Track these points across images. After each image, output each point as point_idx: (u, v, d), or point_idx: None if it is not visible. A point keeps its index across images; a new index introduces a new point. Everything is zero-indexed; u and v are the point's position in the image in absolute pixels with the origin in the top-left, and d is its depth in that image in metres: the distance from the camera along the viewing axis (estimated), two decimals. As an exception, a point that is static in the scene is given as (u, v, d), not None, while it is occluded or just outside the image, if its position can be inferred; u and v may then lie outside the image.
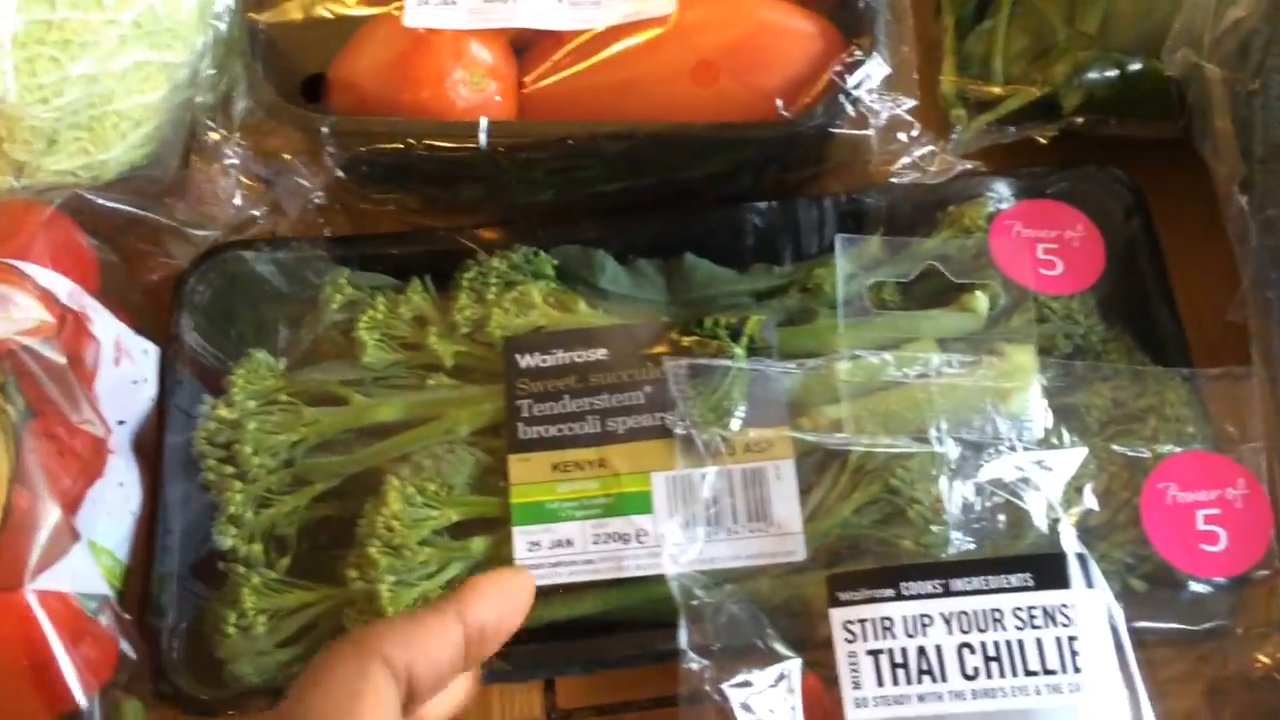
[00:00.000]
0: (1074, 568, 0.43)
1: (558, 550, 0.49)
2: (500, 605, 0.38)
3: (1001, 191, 0.54)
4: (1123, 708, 0.41)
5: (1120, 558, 0.46)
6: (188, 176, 0.57)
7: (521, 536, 0.49)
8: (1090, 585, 0.43)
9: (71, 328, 0.49)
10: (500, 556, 0.50)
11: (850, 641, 0.42)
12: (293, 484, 0.52)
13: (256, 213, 0.57)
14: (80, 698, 0.44)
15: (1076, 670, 0.41)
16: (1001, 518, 0.46)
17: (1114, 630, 0.43)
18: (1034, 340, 0.50)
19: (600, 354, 0.52)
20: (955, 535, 0.46)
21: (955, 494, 0.47)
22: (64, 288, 0.50)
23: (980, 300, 0.52)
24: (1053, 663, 0.42)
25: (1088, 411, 0.50)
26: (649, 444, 0.50)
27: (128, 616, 0.48)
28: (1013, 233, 0.53)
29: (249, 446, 0.52)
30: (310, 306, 0.57)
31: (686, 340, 0.51)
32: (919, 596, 0.43)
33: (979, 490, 0.46)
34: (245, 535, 0.51)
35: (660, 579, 0.49)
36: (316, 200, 0.58)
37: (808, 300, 0.54)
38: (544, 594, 0.50)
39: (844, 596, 0.43)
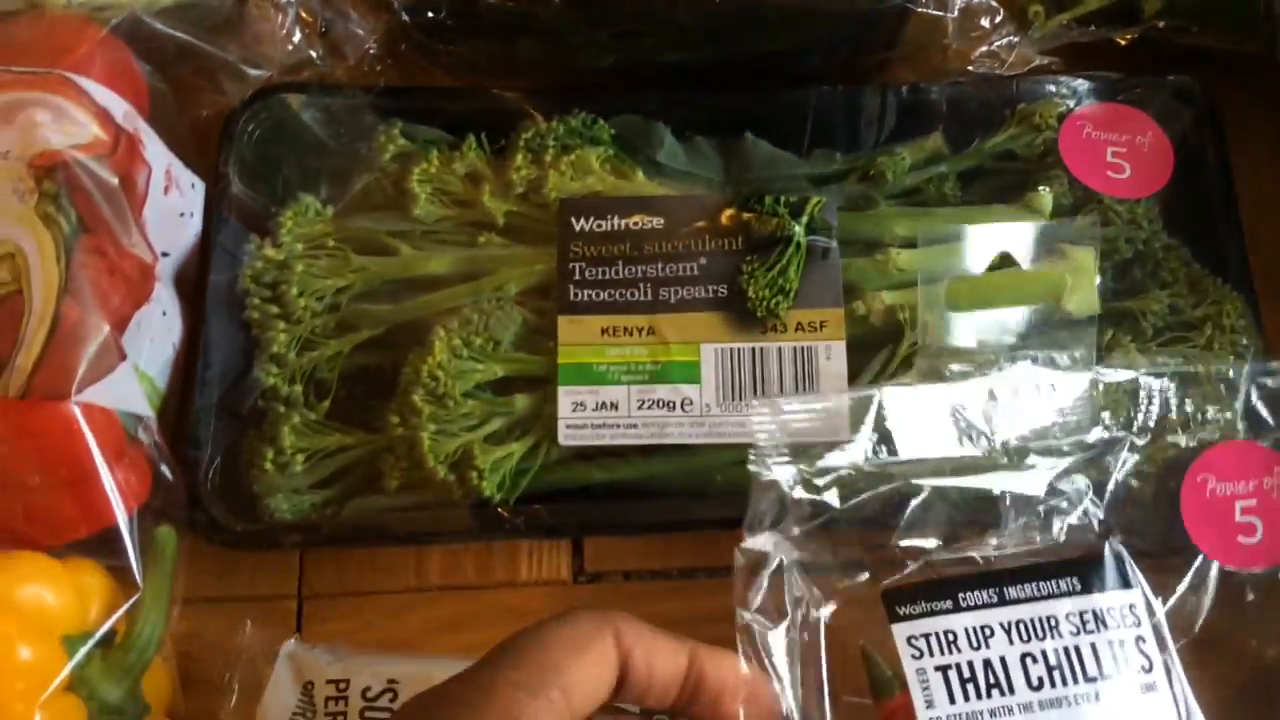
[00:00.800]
0: (1111, 568, 0.43)
1: (602, 412, 0.49)
2: (726, 680, 0.38)
3: (1074, 91, 0.53)
4: (1169, 702, 0.41)
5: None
6: (245, 10, 0.55)
7: (566, 396, 0.49)
8: (1128, 585, 0.43)
9: (125, 149, 0.48)
10: (544, 414, 0.49)
11: (917, 658, 0.41)
12: (337, 329, 0.52)
13: (312, 54, 0.55)
14: (118, 514, 0.44)
15: (1129, 671, 0.41)
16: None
17: (1156, 625, 0.43)
18: (1097, 242, 0.49)
19: (656, 222, 0.51)
20: (1006, 428, 0.46)
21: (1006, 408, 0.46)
22: (119, 107, 0.49)
23: (1044, 198, 0.51)
24: (1109, 667, 0.41)
25: (1144, 316, 0.50)
26: (700, 315, 0.50)
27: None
28: (1083, 134, 0.52)
29: (295, 288, 0.51)
30: (355, 160, 0.56)
31: (746, 215, 0.51)
32: (977, 607, 0.42)
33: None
34: (286, 375, 0.51)
35: (700, 449, 0.49)
36: (372, 49, 0.57)
37: (868, 188, 0.53)
38: (585, 456, 0.50)
39: (903, 611, 0.42)
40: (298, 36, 0.55)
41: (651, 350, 0.50)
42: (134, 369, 0.46)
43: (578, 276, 0.51)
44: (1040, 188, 0.52)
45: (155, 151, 0.51)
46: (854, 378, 0.49)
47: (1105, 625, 0.42)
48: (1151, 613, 0.43)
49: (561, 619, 0.36)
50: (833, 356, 0.49)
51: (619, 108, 0.55)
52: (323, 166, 0.56)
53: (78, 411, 0.43)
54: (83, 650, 0.41)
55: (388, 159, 0.54)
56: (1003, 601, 0.42)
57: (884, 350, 0.50)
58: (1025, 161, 0.53)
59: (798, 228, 0.50)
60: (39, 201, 0.45)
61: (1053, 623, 0.42)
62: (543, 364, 0.50)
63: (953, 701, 0.40)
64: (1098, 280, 0.49)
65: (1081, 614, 0.42)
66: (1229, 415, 0.47)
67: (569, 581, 0.51)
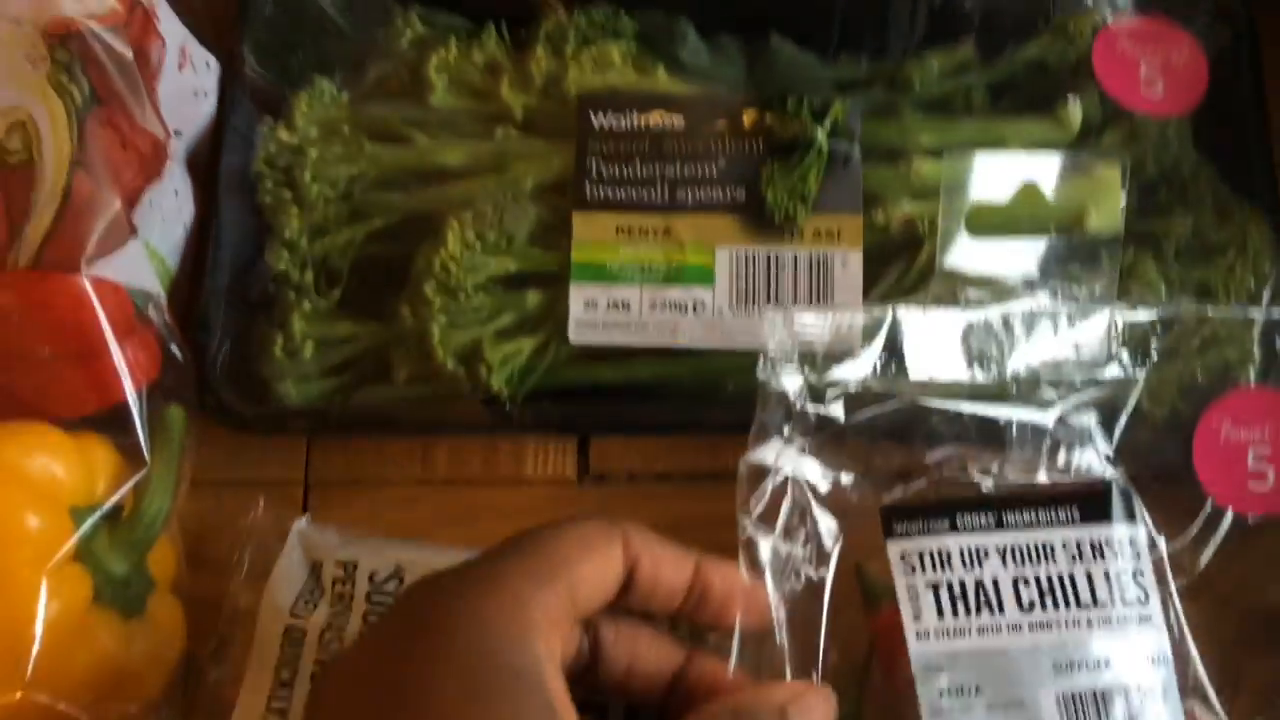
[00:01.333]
0: (1117, 502, 0.43)
1: (614, 312, 0.49)
2: (728, 590, 0.39)
3: (1112, 2, 0.52)
4: (1164, 640, 0.42)
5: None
6: (264, -115, 0.54)
7: (578, 293, 0.49)
8: (1131, 520, 0.43)
9: (139, 22, 0.47)
10: (555, 313, 0.49)
11: (909, 574, 0.42)
12: (349, 217, 0.51)
13: (333, -70, 0.54)
14: (128, 389, 0.44)
15: (1124, 603, 0.41)
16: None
17: (1157, 562, 0.43)
18: (1125, 159, 0.48)
19: (676, 121, 0.51)
20: (1019, 358, 0.45)
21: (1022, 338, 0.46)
22: (134, -23, 0.48)
23: (1073, 111, 0.50)
24: (1102, 596, 0.41)
25: (1167, 238, 0.49)
26: (717, 217, 0.49)
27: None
28: (1118, 47, 0.51)
29: (308, 173, 0.51)
30: (371, 47, 0.55)
31: (768, 117, 0.50)
32: (973, 529, 0.42)
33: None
34: (298, 261, 0.50)
35: (711, 353, 0.49)
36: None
37: (894, 96, 0.52)
38: (594, 355, 0.50)
39: (899, 528, 0.42)
40: (318, -86, 0.54)
41: (666, 251, 0.49)
42: (145, 246, 0.46)
43: (594, 173, 0.50)
44: (1069, 100, 0.50)
45: (170, 26, 0.50)
46: (869, 288, 0.49)
47: (1102, 556, 0.42)
48: (1154, 548, 0.43)
49: (572, 520, 0.37)
50: (849, 265, 0.49)
51: (642, 1, 0.54)
52: (339, 52, 0.55)
53: (87, 284, 0.43)
54: (89, 521, 0.42)
55: (405, 44, 0.54)
56: (1000, 526, 0.42)
57: (900, 262, 0.49)
58: (1056, 73, 0.52)
59: (820, 132, 0.49)
60: (51, 70, 0.44)
61: (1048, 549, 0.42)
62: (556, 260, 0.50)
63: (940, 616, 0.41)
64: (1123, 198, 0.48)
65: (1078, 543, 0.42)
66: (1246, 354, 0.47)
67: (574, 480, 0.51)
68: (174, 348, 0.47)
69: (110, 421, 0.45)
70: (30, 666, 0.39)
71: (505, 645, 0.32)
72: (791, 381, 0.44)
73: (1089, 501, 0.43)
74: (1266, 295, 0.48)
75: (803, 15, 0.54)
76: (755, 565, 0.42)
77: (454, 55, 0.53)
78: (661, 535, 0.39)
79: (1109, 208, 0.48)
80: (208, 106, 0.52)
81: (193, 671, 0.46)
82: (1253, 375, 0.46)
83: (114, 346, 0.43)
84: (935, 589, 0.41)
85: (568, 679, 0.34)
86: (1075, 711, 0.39)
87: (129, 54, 0.46)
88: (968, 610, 0.41)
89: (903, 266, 0.49)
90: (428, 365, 0.48)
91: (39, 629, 0.39)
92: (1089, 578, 0.42)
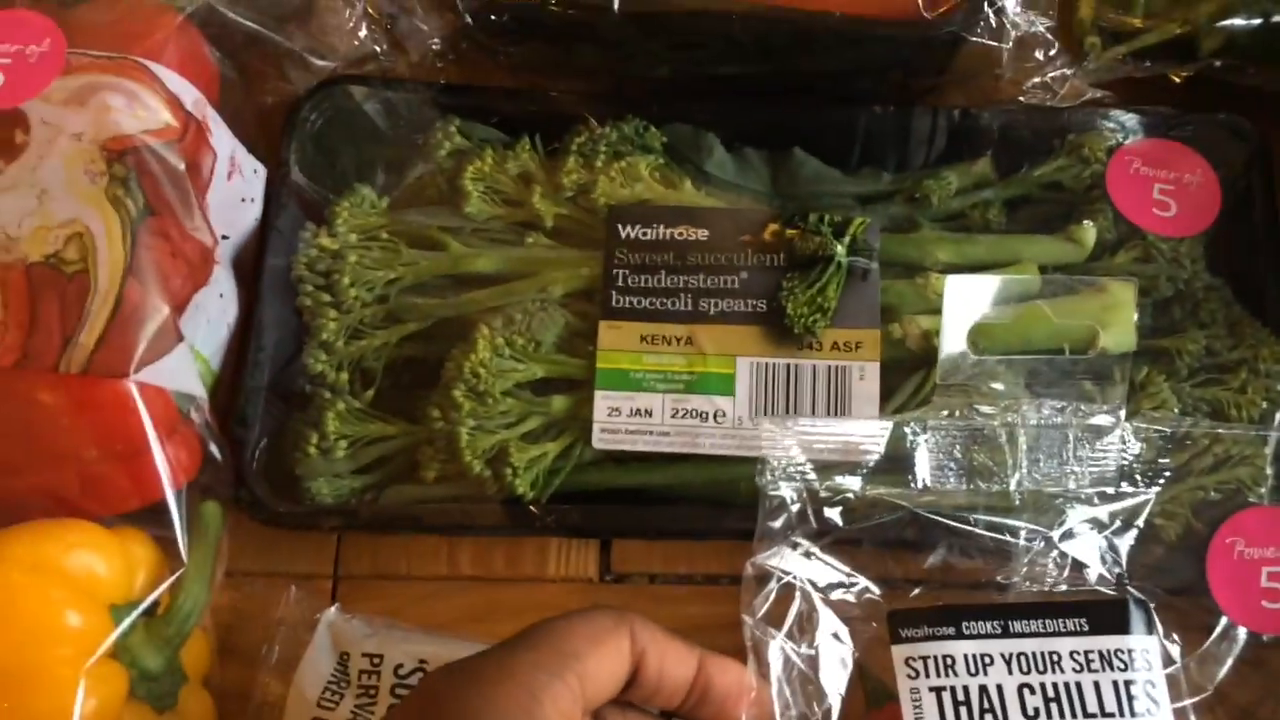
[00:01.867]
0: (1134, 614, 0.44)
1: (636, 419, 0.50)
2: (731, 688, 0.40)
3: (1125, 126, 0.54)
4: None
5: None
6: (314, 2, 0.57)
7: (603, 400, 0.50)
8: (1149, 632, 0.43)
9: (193, 136, 0.50)
10: (580, 417, 0.51)
11: (913, 678, 0.43)
12: (385, 320, 0.53)
13: (376, 49, 0.57)
14: (168, 488, 0.46)
15: (1134, 714, 0.42)
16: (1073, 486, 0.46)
17: (1171, 676, 0.44)
18: (1137, 279, 0.50)
19: (701, 234, 0.52)
20: (1024, 472, 0.46)
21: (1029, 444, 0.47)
22: (190, 95, 0.50)
23: (1088, 231, 0.52)
24: (1110, 706, 0.42)
25: (1179, 356, 0.50)
26: (738, 328, 0.51)
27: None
28: (1131, 169, 0.52)
29: (347, 278, 0.53)
30: (412, 153, 0.57)
31: (790, 232, 0.52)
32: (980, 636, 0.43)
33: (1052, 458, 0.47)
34: (334, 362, 0.52)
35: (730, 461, 0.50)
36: (435, 46, 0.58)
37: (913, 210, 0.54)
38: (617, 460, 0.51)
39: (905, 633, 0.43)
40: (364, 30, 0.57)
41: (689, 360, 0.51)
42: (190, 350, 0.48)
43: (621, 283, 0.52)
44: (1084, 221, 0.52)
45: (221, 137, 0.52)
46: (886, 400, 0.50)
47: (1112, 667, 0.42)
48: (1168, 661, 0.44)
49: (582, 613, 0.38)
50: (866, 377, 0.50)
51: (671, 116, 0.56)
52: (380, 158, 0.58)
53: (134, 390, 0.45)
54: (128, 620, 0.43)
55: (444, 155, 0.56)
56: (1006, 634, 0.43)
57: (918, 374, 0.50)
58: (1072, 193, 0.53)
59: (839, 248, 0.51)
60: (109, 184, 0.46)
61: (1055, 658, 0.42)
62: (582, 367, 0.51)
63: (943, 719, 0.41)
64: (1135, 317, 0.49)
65: (1086, 653, 0.42)
66: (1259, 473, 0.47)
67: (595, 580, 0.52)
68: (213, 447, 0.49)
69: (150, 517, 0.47)
70: (66, 761, 0.40)
71: None
72: (790, 489, 0.45)
73: (1099, 612, 0.44)
74: (1278, 416, 0.49)
75: (826, 130, 0.56)
76: (761, 666, 0.43)
77: (489, 165, 0.55)
78: (675, 634, 0.40)
79: (1122, 326, 0.49)
80: (254, 211, 0.55)
81: (223, 763, 0.47)
82: (1265, 495, 0.47)
83: (157, 448, 0.45)
84: (939, 694, 0.42)
85: None
86: None
87: (182, 166, 0.49)
88: (971, 716, 0.42)
89: (920, 379, 0.50)
90: (455, 466, 0.50)
91: (76, 725, 0.40)
92: (1097, 687, 0.42)
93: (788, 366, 0.50)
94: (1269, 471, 0.47)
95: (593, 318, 0.52)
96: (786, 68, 0.55)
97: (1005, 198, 0.54)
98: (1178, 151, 0.53)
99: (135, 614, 0.43)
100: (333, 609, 0.50)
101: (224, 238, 0.53)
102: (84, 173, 0.46)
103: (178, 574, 0.45)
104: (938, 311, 0.50)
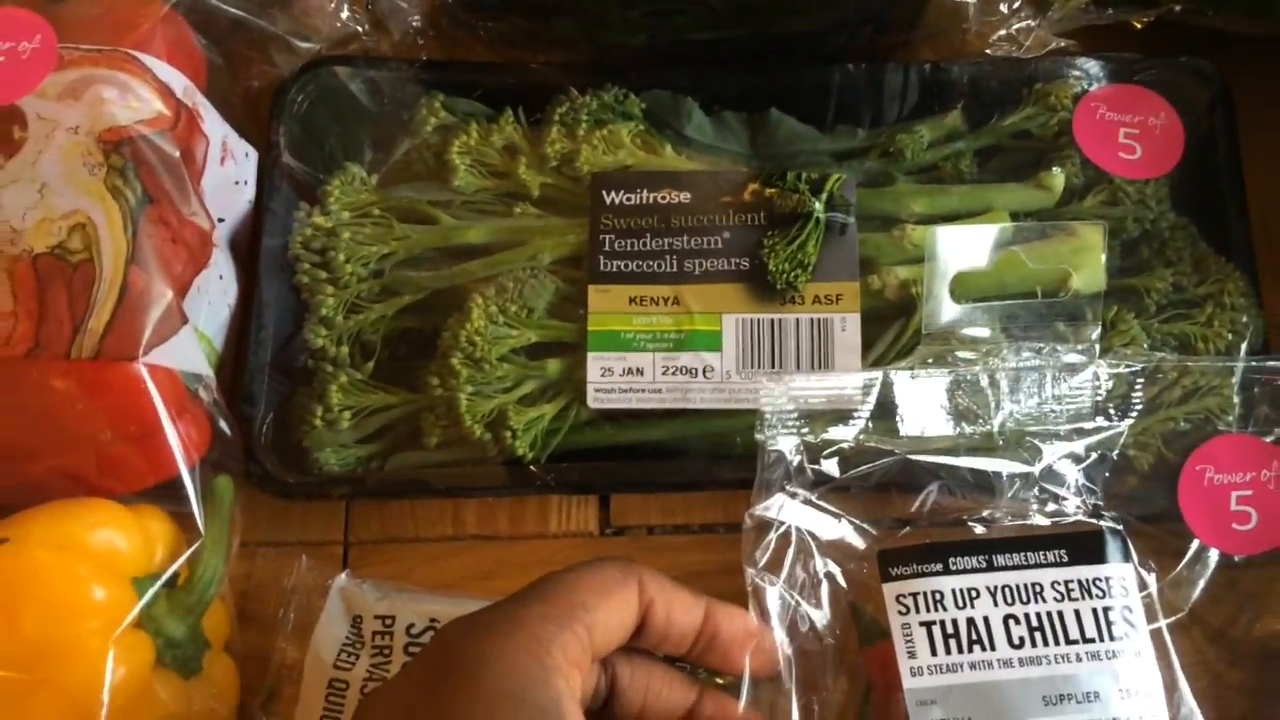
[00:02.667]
0: (1107, 544, 0.46)
1: (628, 378, 0.52)
2: (736, 634, 0.41)
3: (1090, 73, 0.55)
4: (1154, 673, 0.44)
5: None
6: (295, -14, 0.58)
7: (595, 361, 0.52)
8: (1123, 560, 0.45)
9: (185, 123, 0.51)
10: (574, 378, 0.52)
11: (904, 614, 0.44)
12: (381, 294, 0.55)
13: (359, 29, 0.58)
14: (181, 465, 0.48)
15: (1112, 639, 0.44)
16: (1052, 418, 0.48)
17: (1146, 600, 0.46)
18: (1105, 222, 0.51)
19: (683, 197, 0.54)
20: (1005, 413, 0.48)
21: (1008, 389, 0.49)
22: (180, 83, 0.52)
23: (1057, 177, 0.53)
24: (1090, 632, 0.44)
25: (1148, 294, 0.52)
26: (723, 286, 0.53)
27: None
28: (1097, 114, 0.54)
29: (342, 254, 0.54)
30: (398, 130, 0.58)
31: (769, 191, 0.53)
32: (966, 571, 0.45)
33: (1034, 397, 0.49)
34: (334, 337, 0.54)
35: (721, 413, 0.52)
36: (416, 23, 0.59)
37: (887, 164, 0.56)
38: (612, 418, 0.53)
39: (895, 571, 0.45)
40: (345, 11, 0.58)
41: (676, 319, 0.52)
42: (194, 331, 0.50)
43: (607, 248, 0.54)
44: (1053, 167, 0.54)
45: (212, 124, 0.54)
46: (868, 349, 0.52)
47: (1091, 595, 0.45)
48: (1143, 586, 0.46)
49: (590, 565, 0.39)
50: (848, 328, 0.52)
51: (650, 83, 0.58)
52: (368, 136, 0.59)
53: (144, 371, 0.47)
54: (150, 591, 0.45)
55: (429, 130, 0.57)
56: (991, 568, 0.45)
57: (897, 323, 0.52)
58: (1040, 141, 0.55)
59: (817, 204, 0.52)
60: (107, 175, 0.48)
61: (1037, 589, 0.44)
62: (573, 331, 0.53)
63: (934, 653, 0.44)
64: (1104, 258, 0.51)
65: (1067, 582, 0.44)
66: (1226, 403, 0.49)
67: (596, 534, 0.54)
68: (222, 423, 0.50)
69: (166, 493, 0.49)
70: (100, 726, 0.42)
71: (528, 684, 0.35)
72: (788, 442, 0.47)
73: (1077, 543, 0.46)
74: (1244, 347, 0.51)
75: (801, 90, 0.57)
76: (763, 612, 0.45)
77: (474, 139, 0.56)
78: (681, 583, 0.41)
79: (1091, 268, 0.51)
80: (248, 193, 0.56)
81: (246, 722, 0.50)
82: (1233, 423, 0.49)
83: (169, 426, 0.47)
84: (929, 628, 0.44)
85: (586, 715, 0.37)
86: None
87: (177, 154, 0.50)
88: (960, 647, 0.44)
89: (899, 327, 0.52)
90: (456, 432, 0.52)
91: (107, 694, 0.42)
92: (1078, 615, 0.44)
93: (772, 321, 0.52)
94: (1236, 400, 0.49)
95: (582, 283, 0.53)
96: (760, 30, 0.57)
97: (976, 148, 0.56)
98: (1141, 96, 0.54)
99: (157, 585, 0.45)
100: (343, 575, 0.52)
101: (220, 221, 0.54)
102: (82, 165, 0.48)
103: (195, 546, 0.47)
104: (915, 262, 0.52)
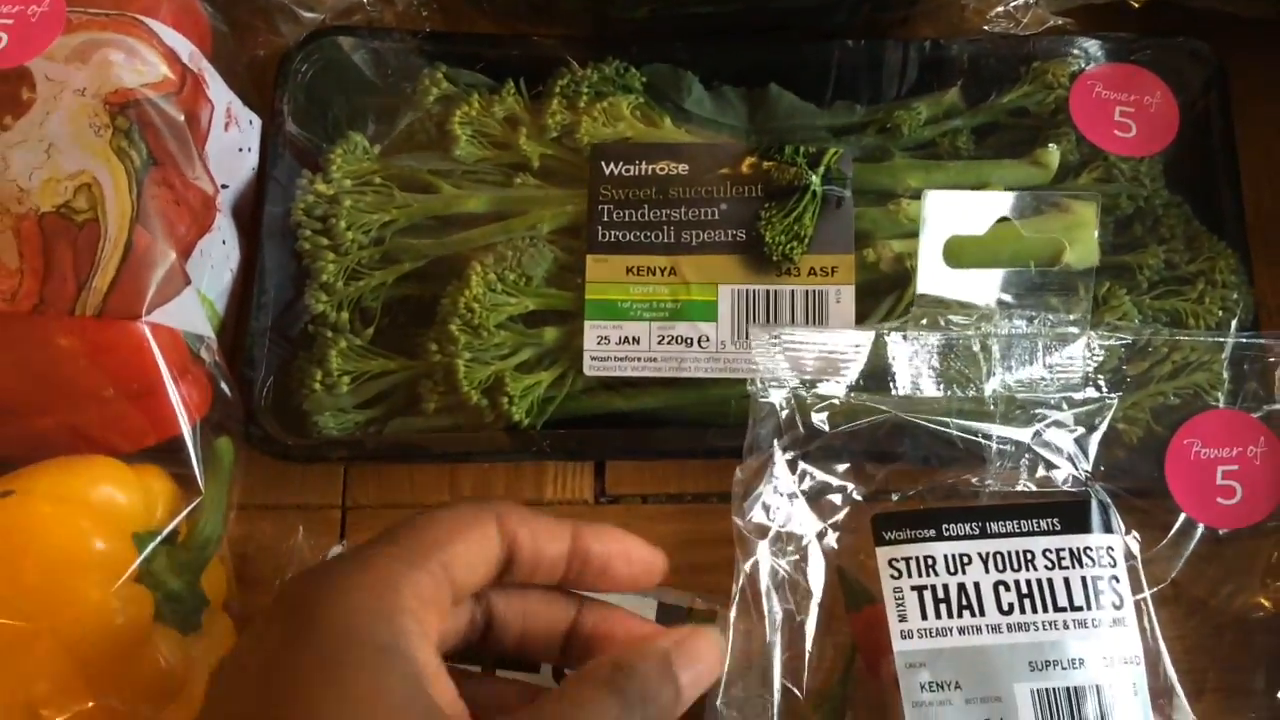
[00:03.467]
0: (1095, 513, 0.46)
1: (625, 346, 0.53)
2: (609, 552, 0.39)
3: (1087, 52, 0.56)
4: (1137, 642, 0.45)
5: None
6: (301, -44, 0.58)
7: (592, 330, 0.53)
8: (1109, 530, 0.46)
9: (190, 88, 0.52)
10: (571, 347, 0.53)
11: (895, 578, 0.45)
12: (381, 261, 0.55)
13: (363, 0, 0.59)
14: (182, 424, 0.48)
15: (1099, 607, 0.44)
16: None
17: (1132, 570, 0.46)
18: (1099, 198, 0.52)
19: (681, 169, 0.55)
20: (997, 379, 0.49)
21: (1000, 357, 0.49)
22: (185, 49, 0.52)
23: (1052, 154, 0.54)
24: (1079, 600, 0.44)
25: (1140, 270, 0.52)
26: (719, 257, 0.53)
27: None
28: (1093, 93, 0.54)
29: (343, 221, 0.55)
30: (401, 101, 0.59)
31: (766, 164, 0.54)
32: (959, 537, 0.45)
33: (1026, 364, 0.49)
34: (334, 303, 0.55)
35: (715, 382, 0.53)
36: (421, -7, 0.60)
37: (885, 140, 0.56)
38: (608, 386, 0.54)
39: (889, 536, 0.46)
40: (349, -18, 0.58)
41: (672, 289, 0.53)
42: (197, 293, 0.50)
43: (606, 218, 0.54)
44: (1049, 144, 0.54)
45: (217, 90, 0.54)
46: (861, 321, 0.52)
47: (1080, 564, 0.45)
48: (1130, 556, 0.47)
49: (445, 506, 0.37)
50: (842, 300, 0.52)
51: (651, 57, 0.58)
52: (371, 106, 0.59)
53: (147, 330, 0.47)
54: (150, 546, 0.46)
55: (431, 101, 0.58)
56: (984, 534, 0.45)
57: (891, 296, 0.53)
58: (1037, 118, 0.56)
59: (814, 177, 0.53)
60: (113, 136, 0.48)
61: (1029, 556, 0.45)
62: (571, 299, 0.54)
63: (924, 617, 0.44)
64: (1097, 234, 0.51)
65: (1058, 551, 0.45)
66: (1215, 378, 0.50)
67: (591, 502, 0.55)
68: (223, 385, 0.51)
69: (167, 453, 0.49)
70: (100, 678, 0.43)
71: (369, 622, 0.33)
72: (779, 396, 0.48)
73: (1069, 512, 0.46)
74: (1234, 324, 0.51)
75: (800, 66, 0.58)
76: (753, 572, 0.46)
77: (476, 110, 0.57)
78: (671, 551, 0.40)
79: (1085, 243, 0.51)
80: (251, 160, 0.57)
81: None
82: (1221, 399, 0.50)
83: (170, 385, 0.48)
84: (920, 592, 0.45)
85: (463, 651, 0.37)
86: (1049, 707, 0.43)
87: (181, 118, 0.51)
88: (950, 612, 0.45)
89: (893, 300, 0.53)
90: (454, 397, 0.52)
91: (107, 644, 0.43)
92: (1067, 583, 0.45)
93: (767, 292, 0.53)
94: (1225, 376, 0.50)
95: (580, 252, 0.54)
96: (761, 5, 0.57)
97: (974, 125, 0.57)
98: (1137, 75, 0.55)
99: (157, 540, 0.46)
100: (338, 546, 0.52)
101: (224, 187, 0.55)
102: (89, 126, 0.48)
103: (193, 504, 0.48)
104: (910, 235, 0.53)
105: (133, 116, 0.49)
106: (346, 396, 0.53)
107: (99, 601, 0.43)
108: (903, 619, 0.44)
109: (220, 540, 0.49)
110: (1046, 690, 0.43)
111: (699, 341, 0.53)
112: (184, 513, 0.48)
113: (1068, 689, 0.43)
